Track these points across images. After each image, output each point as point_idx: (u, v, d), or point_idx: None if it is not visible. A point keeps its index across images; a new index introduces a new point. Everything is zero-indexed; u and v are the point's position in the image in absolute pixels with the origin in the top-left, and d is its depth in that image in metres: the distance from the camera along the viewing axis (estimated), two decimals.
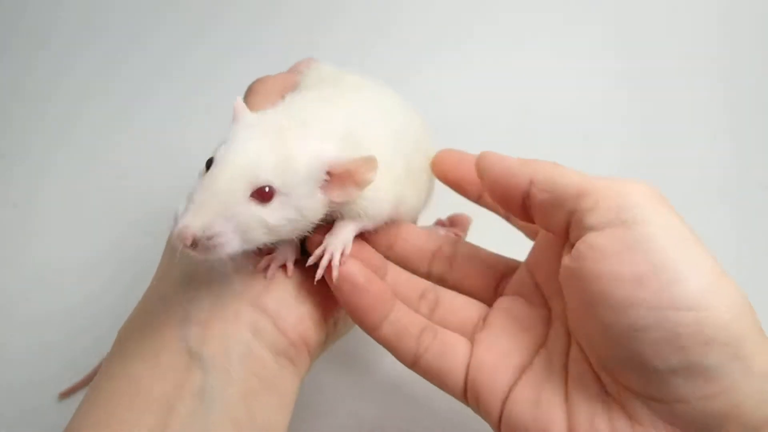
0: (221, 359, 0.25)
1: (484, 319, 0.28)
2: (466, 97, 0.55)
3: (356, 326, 0.29)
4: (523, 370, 0.26)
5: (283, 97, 0.30)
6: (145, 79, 0.61)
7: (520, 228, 0.33)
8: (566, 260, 0.24)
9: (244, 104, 0.27)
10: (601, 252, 0.22)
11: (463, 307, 0.29)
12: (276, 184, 0.25)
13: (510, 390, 0.25)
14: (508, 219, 0.33)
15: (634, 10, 0.61)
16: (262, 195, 0.25)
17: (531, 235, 0.32)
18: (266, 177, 0.25)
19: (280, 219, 0.25)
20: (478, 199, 0.32)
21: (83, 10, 0.65)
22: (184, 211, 0.24)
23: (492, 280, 0.30)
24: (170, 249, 0.28)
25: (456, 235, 0.35)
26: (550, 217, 0.25)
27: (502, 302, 0.29)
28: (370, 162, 0.26)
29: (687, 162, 0.52)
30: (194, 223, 0.23)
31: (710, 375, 0.20)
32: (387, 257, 0.31)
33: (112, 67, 0.62)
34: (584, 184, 0.23)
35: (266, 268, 0.28)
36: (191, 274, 0.27)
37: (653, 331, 0.20)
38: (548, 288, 0.27)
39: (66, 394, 0.43)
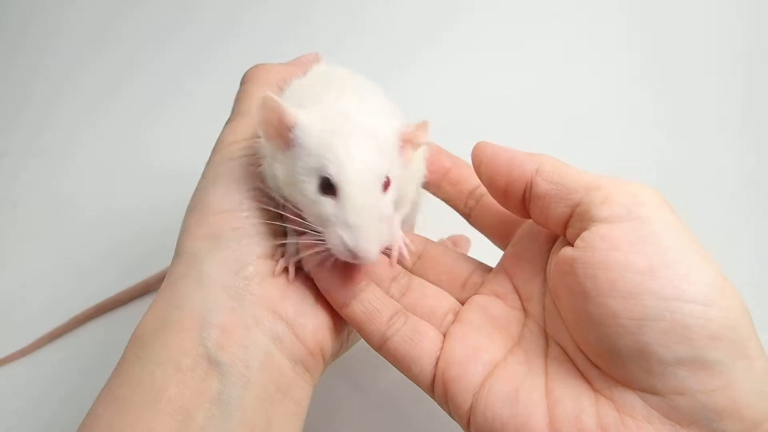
0: (240, 365, 0.25)
1: (456, 313, 0.29)
2: (457, 96, 0.56)
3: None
4: (496, 365, 0.25)
5: (280, 88, 0.30)
6: (146, 78, 0.61)
7: (482, 230, 0.33)
8: (568, 251, 0.24)
9: (280, 103, 0.26)
10: (612, 242, 0.22)
11: (433, 295, 0.29)
12: (390, 172, 0.26)
13: (482, 385, 0.25)
14: (468, 218, 0.33)
15: (632, 10, 0.61)
16: (386, 187, 0.26)
17: (496, 239, 0.32)
18: (385, 168, 0.25)
19: (390, 203, 0.26)
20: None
21: (85, 12, 0.65)
22: (352, 239, 0.24)
23: (458, 277, 0.30)
24: (203, 242, 0.27)
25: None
26: (551, 209, 0.25)
27: (477, 300, 0.29)
28: (425, 124, 0.27)
29: (685, 161, 0.52)
30: (373, 248, 0.24)
31: (714, 369, 0.20)
32: None
33: (113, 67, 0.62)
34: (593, 179, 0.24)
35: (285, 271, 0.28)
36: (210, 277, 0.26)
37: (662, 320, 0.21)
38: (525, 291, 0.28)
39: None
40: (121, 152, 0.56)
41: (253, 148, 0.29)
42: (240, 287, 0.26)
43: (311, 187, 0.25)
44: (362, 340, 0.29)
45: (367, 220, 0.24)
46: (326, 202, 0.25)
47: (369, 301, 0.27)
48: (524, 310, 0.28)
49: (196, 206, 0.28)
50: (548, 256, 0.27)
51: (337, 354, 0.30)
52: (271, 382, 0.25)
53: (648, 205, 0.23)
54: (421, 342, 0.27)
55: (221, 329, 0.25)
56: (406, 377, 0.27)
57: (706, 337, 0.20)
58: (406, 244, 0.30)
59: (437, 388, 0.26)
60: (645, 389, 0.22)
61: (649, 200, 0.23)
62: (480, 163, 0.27)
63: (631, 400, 0.22)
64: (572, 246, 0.24)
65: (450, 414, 0.26)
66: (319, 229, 0.25)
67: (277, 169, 0.26)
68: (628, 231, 0.22)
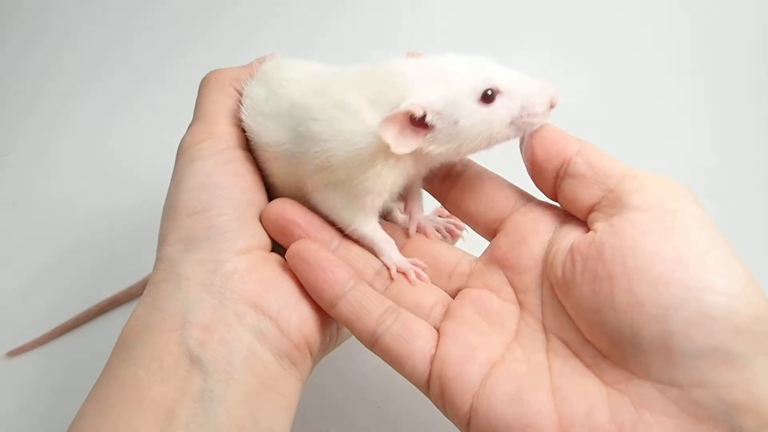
0: (222, 362, 0.25)
1: (445, 306, 0.28)
2: None
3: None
4: (494, 364, 0.25)
5: (237, 90, 0.31)
6: (146, 78, 0.61)
7: (458, 214, 0.31)
8: (595, 235, 0.24)
9: (403, 112, 0.26)
10: (643, 230, 0.23)
11: (419, 288, 0.29)
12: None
13: (481, 384, 0.24)
14: (443, 202, 0.32)
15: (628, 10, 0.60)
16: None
17: (475, 225, 0.30)
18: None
19: None
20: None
21: (91, 14, 0.64)
22: (544, 90, 0.26)
23: (444, 267, 0.30)
24: (177, 246, 0.28)
25: (455, 226, 0.34)
26: (583, 190, 0.25)
27: (469, 293, 0.28)
28: None
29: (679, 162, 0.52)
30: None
31: (735, 363, 0.20)
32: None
33: (112, 66, 0.62)
34: (629, 169, 0.25)
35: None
36: (188, 279, 0.26)
37: (687, 310, 0.21)
38: (520, 283, 0.27)
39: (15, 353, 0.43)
40: (122, 152, 0.56)
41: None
42: (219, 285, 0.26)
43: (490, 115, 0.26)
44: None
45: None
46: (499, 105, 0.26)
47: (357, 300, 0.27)
48: (519, 303, 0.27)
49: (167, 211, 0.29)
50: (548, 246, 0.26)
51: (326, 348, 0.29)
52: (255, 377, 0.25)
53: (680, 199, 0.23)
54: (414, 340, 0.26)
55: (202, 327, 0.25)
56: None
57: (729, 329, 0.20)
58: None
59: (433, 387, 0.25)
60: (664, 381, 0.21)
61: (681, 195, 0.23)
62: (533, 137, 0.27)
63: (649, 392, 0.21)
64: (594, 231, 0.24)
65: (446, 414, 0.25)
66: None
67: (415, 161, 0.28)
68: (660, 221, 0.23)
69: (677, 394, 0.21)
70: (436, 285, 0.29)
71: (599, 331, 0.23)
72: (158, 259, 0.28)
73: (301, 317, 0.27)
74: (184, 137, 0.30)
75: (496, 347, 0.26)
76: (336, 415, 0.40)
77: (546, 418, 0.22)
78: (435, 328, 0.27)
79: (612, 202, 0.24)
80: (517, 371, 0.24)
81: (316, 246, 0.28)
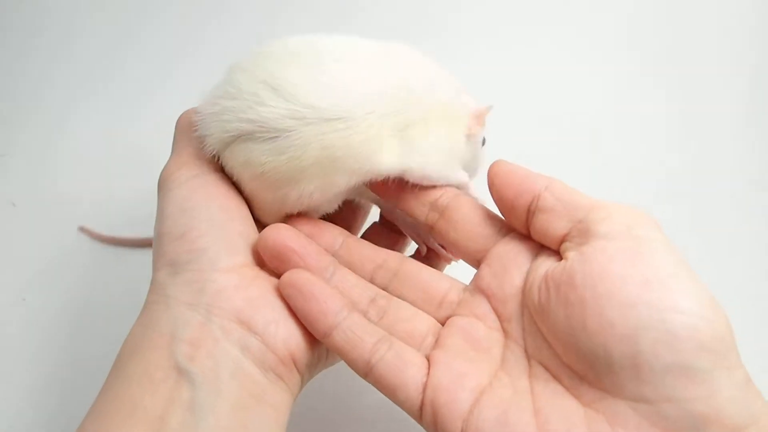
0: (210, 375, 0.26)
1: (436, 335, 0.29)
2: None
3: None
4: (482, 391, 0.26)
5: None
6: (147, 76, 0.61)
7: (446, 244, 0.33)
8: (566, 264, 0.25)
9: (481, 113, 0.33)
10: (611, 256, 0.24)
11: (412, 317, 0.30)
12: None
13: (470, 411, 0.25)
14: (431, 231, 0.32)
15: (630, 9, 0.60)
16: None
17: (462, 255, 0.32)
18: None
19: None
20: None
21: (89, 12, 0.64)
22: None
23: (434, 295, 0.30)
24: (164, 270, 0.29)
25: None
26: (553, 222, 0.27)
27: (457, 322, 0.29)
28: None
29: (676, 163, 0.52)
30: None
31: (698, 377, 0.22)
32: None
33: (113, 65, 0.62)
34: (596, 201, 0.27)
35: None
36: (176, 299, 0.27)
37: (654, 330, 0.22)
38: (504, 311, 0.28)
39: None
40: (122, 152, 0.56)
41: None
42: (206, 303, 0.27)
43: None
44: None
45: None
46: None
47: (351, 330, 0.28)
48: (504, 330, 0.28)
49: (154, 240, 0.30)
50: (527, 275, 0.28)
51: (315, 366, 0.30)
52: (243, 389, 0.26)
53: (646, 227, 0.25)
54: (407, 369, 0.27)
55: (190, 343, 0.26)
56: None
57: (693, 347, 0.22)
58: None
59: (425, 414, 0.26)
60: (635, 398, 0.23)
61: (647, 223, 0.25)
62: (495, 175, 0.29)
63: (623, 409, 0.23)
64: (566, 260, 0.26)
65: None
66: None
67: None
68: (626, 247, 0.24)
69: (648, 410, 0.22)
70: (426, 312, 0.30)
71: (574, 353, 0.24)
72: (151, 283, 0.29)
73: (287, 333, 0.28)
74: (161, 172, 0.32)
75: (484, 374, 0.27)
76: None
77: None
78: (426, 357, 0.28)
79: (581, 232, 0.26)
80: (503, 397, 0.26)
81: (309, 275, 0.28)
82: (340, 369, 0.31)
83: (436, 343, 0.29)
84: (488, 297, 0.29)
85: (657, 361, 0.22)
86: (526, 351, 0.27)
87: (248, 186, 0.30)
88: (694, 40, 0.59)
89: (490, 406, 0.25)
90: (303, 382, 0.30)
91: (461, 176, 0.32)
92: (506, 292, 0.28)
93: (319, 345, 0.29)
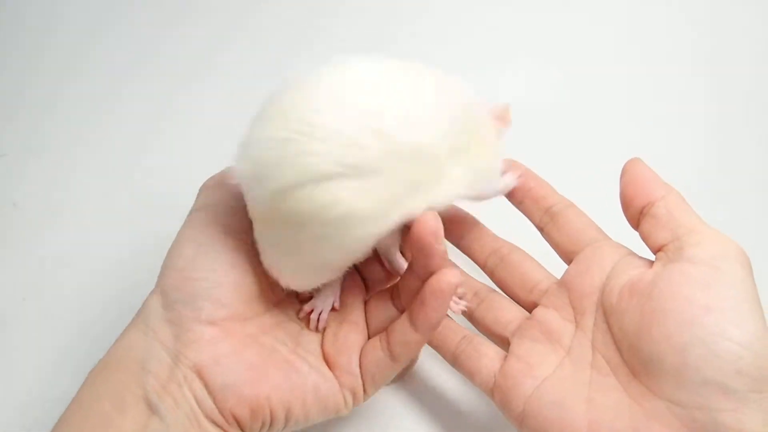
0: (174, 415, 0.28)
1: (519, 324, 0.35)
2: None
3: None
4: (546, 378, 0.31)
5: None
6: (148, 75, 0.61)
7: (551, 243, 0.36)
8: (650, 275, 0.29)
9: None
10: (687, 279, 0.27)
11: (502, 308, 0.36)
12: None
13: (532, 394, 0.31)
14: (541, 231, 0.37)
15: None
16: None
17: (562, 254, 0.36)
18: None
19: None
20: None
21: (86, 10, 0.64)
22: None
23: (529, 282, 0.36)
24: (157, 297, 0.30)
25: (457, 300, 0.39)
26: (657, 231, 0.30)
27: (538, 314, 0.34)
28: None
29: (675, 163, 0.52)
30: None
31: (731, 395, 0.25)
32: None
33: (113, 64, 0.62)
34: (698, 223, 0.29)
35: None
36: (154, 332, 0.29)
37: (703, 348, 0.25)
38: (580, 306, 0.33)
39: None
40: (123, 153, 0.56)
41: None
42: (177, 349, 0.29)
43: None
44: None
45: None
46: None
47: (440, 330, 0.35)
48: (576, 322, 0.33)
49: (168, 252, 0.31)
50: (606, 279, 0.32)
51: (263, 429, 0.30)
52: None
53: (728, 259, 0.27)
54: (481, 361, 0.34)
55: (156, 378, 0.28)
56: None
57: (733, 370, 0.25)
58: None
59: (496, 395, 0.32)
60: (673, 400, 0.26)
61: (731, 255, 0.28)
62: (625, 172, 0.32)
63: (661, 407, 0.27)
64: (653, 270, 0.29)
65: (504, 414, 0.32)
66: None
67: None
68: (704, 275, 0.27)
69: (681, 412, 0.26)
70: (518, 294, 0.36)
71: (635, 354, 0.28)
72: (145, 299, 0.31)
73: (237, 401, 0.29)
74: (205, 181, 0.34)
75: (551, 363, 0.32)
76: None
77: (581, 421, 0.28)
78: (507, 340, 0.34)
79: (674, 249, 0.29)
80: (563, 383, 0.30)
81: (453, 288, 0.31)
82: None
83: (518, 331, 0.34)
84: (569, 290, 0.33)
85: (698, 374, 0.25)
86: (592, 343, 0.31)
87: (300, 235, 0.27)
88: (736, 42, 0.58)
89: (551, 392, 0.30)
90: None
91: (505, 179, 0.36)
92: (585, 289, 0.32)
93: (259, 415, 0.29)
